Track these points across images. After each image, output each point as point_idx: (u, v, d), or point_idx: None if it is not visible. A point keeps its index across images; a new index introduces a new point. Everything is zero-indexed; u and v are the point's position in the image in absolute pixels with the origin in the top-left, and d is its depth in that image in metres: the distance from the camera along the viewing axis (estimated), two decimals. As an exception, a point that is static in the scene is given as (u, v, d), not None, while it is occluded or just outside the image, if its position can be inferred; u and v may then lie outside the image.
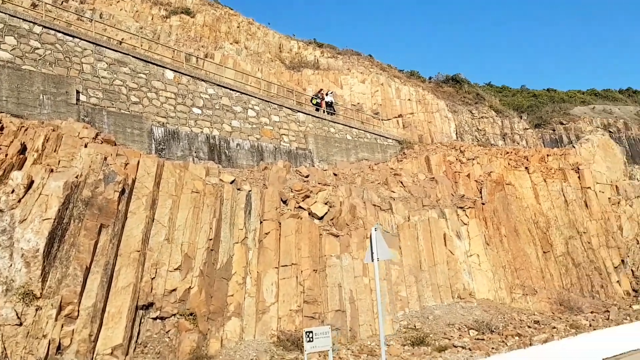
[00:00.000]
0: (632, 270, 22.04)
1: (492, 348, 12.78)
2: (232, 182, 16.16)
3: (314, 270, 15.60)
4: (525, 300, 19.71)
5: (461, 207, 21.51)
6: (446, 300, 18.36)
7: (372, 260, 9.81)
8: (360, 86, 32.73)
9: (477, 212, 21.60)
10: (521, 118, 41.00)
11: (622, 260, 22.00)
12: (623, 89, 53.54)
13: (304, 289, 15.08)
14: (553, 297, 20.06)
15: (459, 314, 17.68)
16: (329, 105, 25.12)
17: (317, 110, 24.16)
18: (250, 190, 16.24)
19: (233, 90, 19.83)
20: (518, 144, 37.69)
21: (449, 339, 14.87)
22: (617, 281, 21.46)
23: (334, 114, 25.05)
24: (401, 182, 21.95)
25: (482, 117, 39.46)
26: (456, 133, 36.09)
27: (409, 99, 34.69)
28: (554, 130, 40.07)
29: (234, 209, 15.49)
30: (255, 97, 20.51)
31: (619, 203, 23.84)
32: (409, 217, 19.57)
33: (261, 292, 14.54)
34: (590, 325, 16.18)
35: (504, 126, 39.57)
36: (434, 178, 22.97)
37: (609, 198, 23.85)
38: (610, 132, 39.14)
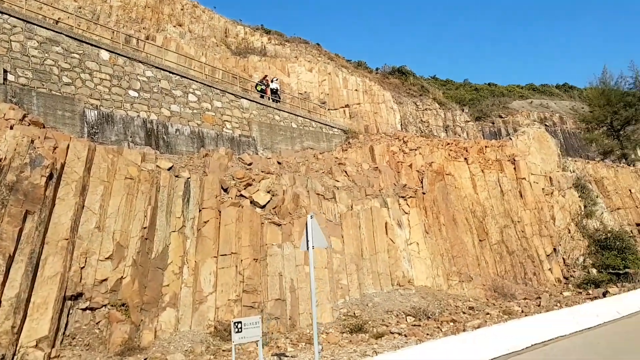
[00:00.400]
0: (563, 258, 22.95)
1: (427, 334, 12.96)
2: (169, 169, 15.62)
3: (254, 259, 15.34)
4: (462, 286, 20.17)
5: (403, 197, 21.73)
6: (386, 287, 18.52)
7: (307, 249, 9.64)
8: (307, 75, 32.48)
9: (418, 202, 21.88)
10: (463, 111, 41.97)
11: (554, 249, 22.87)
12: (560, 84, 55.80)
13: (244, 278, 14.81)
14: (488, 284, 20.64)
15: (397, 301, 17.88)
16: (274, 92, 24.77)
17: (262, 97, 23.76)
18: (189, 178, 15.75)
19: (173, 73, 19.15)
20: (459, 135, 38.58)
21: (387, 326, 15.00)
22: (549, 269, 22.31)
23: (279, 101, 24.72)
24: (345, 172, 21.94)
25: (426, 109, 40.13)
26: (401, 124, 36.56)
27: (356, 89, 34.77)
28: (493, 123, 41.30)
29: (172, 196, 14.98)
30: (197, 82, 19.90)
31: (552, 193, 24.73)
32: (352, 206, 19.59)
33: (199, 281, 14.16)
34: (522, 312, 16.70)
35: (446, 118, 40.42)
36: (377, 168, 23.08)
37: (543, 188, 24.70)
38: (546, 125, 40.67)
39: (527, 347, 9.85)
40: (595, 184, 27.48)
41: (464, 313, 17.08)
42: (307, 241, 9.66)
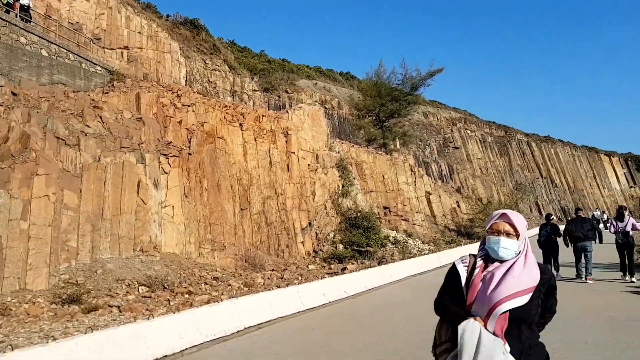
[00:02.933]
0: (316, 232, 23.40)
1: (147, 309, 11.29)
2: None
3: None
4: (213, 255, 19.01)
5: (165, 155, 19.58)
6: (126, 253, 16.35)
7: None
8: (83, 4, 27.66)
9: (182, 162, 19.98)
10: (253, 79, 41.01)
11: (310, 223, 23.17)
12: (343, 72, 58.71)
13: None
14: (240, 254, 19.86)
15: (135, 269, 15.86)
16: (25, 9, 20.17)
17: (8, 12, 19.07)
18: None
19: None
20: (246, 103, 37.56)
21: (113, 297, 12.95)
22: (302, 242, 22.51)
23: (30, 21, 20.22)
24: (101, 117, 18.85)
25: (215, 70, 38.06)
26: (186, 80, 33.93)
27: (140, 32, 30.97)
28: (279, 97, 41.26)
29: None
30: None
31: (316, 170, 25.07)
32: (99, 158, 16.80)
33: None
34: (263, 284, 16.13)
35: (235, 84, 38.96)
36: (141, 119, 20.42)
37: (309, 165, 24.88)
38: (326, 108, 42.00)
39: (238, 331, 8.80)
40: (355, 166, 28.87)
41: (205, 284, 15.86)
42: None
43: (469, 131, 62.29)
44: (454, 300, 2.89)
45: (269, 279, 17.07)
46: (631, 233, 14.08)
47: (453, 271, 2.99)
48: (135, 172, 17.76)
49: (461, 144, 59.20)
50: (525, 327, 2.76)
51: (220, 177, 21.55)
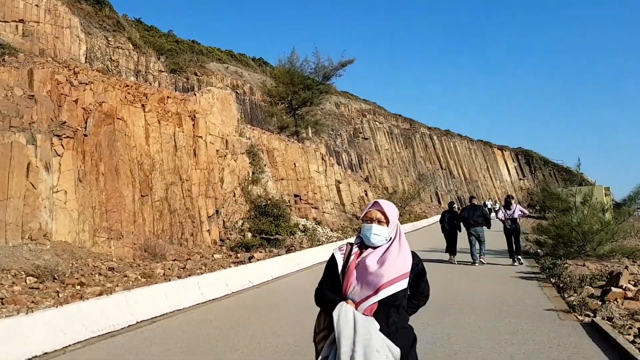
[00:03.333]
0: (223, 220, 22.75)
1: (32, 301, 10.26)
2: None
3: None
4: (109, 244, 17.83)
5: (59, 136, 17.98)
6: (13, 240, 14.88)
7: None
8: (-34, -31, 24.72)
9: (77, 144, 18.46)
10: (159, 59, 39.06)
11: (217, 211, 22.47)
12: (256, 58, 57.71)
13: None
14: (140, 243, 18.79)
15: (23, 258, 14.46)
16: None
17: None
18: None
19: None
20: (151, 84, 35.69)
21: (-6, 289, 11.65)
22: (208, 230, 21.77)
23: None
24: (-16, 92, 16.93)
25: (118, 47, 35.75)
26: (86, 57, 31.53)
27: (37, 5, 28.21)
28: (187, 79, 39.64)
29: None
30: None
31: (225, 156, 24.34)
32: (-19, 136, 15.05)
33: None
34: (163, 275, 15.35)
35: (139, 63, 36.88)
36: (34, 96, 18.58)
37: (218, 150, 24.09)
38: (237, 92, 40.99)
39: (129, 326, 8.17)
40: (266, 153, 28.43)
41: (100, 275, 14.79)
42: None
43: (377, 123, 63.85)
44: (333, 289, 2.96)
45: (169, 269, 16.28)
46: (519, 220, 15.43)
47: (331, 260, 3.06)
48: (24, 153, 16.17)
49: (370, 135, 60.55)
50: (394, 311, 2.84)
51: (119, 161, 20.21)
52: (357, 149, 56.04)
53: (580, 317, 7.95)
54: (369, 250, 2.94)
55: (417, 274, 3.00)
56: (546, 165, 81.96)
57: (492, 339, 6.76)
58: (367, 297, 2.76)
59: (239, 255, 19.26)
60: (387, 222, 2.95)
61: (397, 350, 2.73)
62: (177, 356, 6.53)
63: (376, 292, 2.75)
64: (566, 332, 7.05)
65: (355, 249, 2.99)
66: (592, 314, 8.28)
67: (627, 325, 7.38)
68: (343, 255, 3.02)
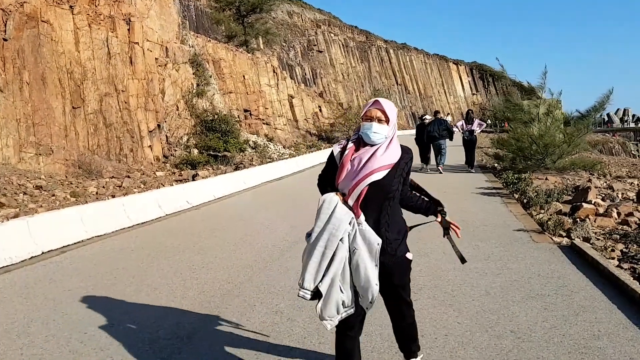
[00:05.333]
0: (167, 136, 20.84)
1: None
2: None
3: None
4: (38, 161, 15.84)
5: (-33, 38, 15.26)
6: None
7: None
8: None
9: (-7, 49, 15.83)
10: (92, -43, 34.52)
11: (159, 125, 20.47)
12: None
13: None
14: (73, 159, 16.86)
15: None
16: None
17: None
18: None
19: None
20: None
21: None
22: (149, 146, 19.87)
23: None
24: None
25: (42, -59, 31.17)
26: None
27: None
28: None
29: None
30: None
31: (166, 65, 21.93)
32: None
33: None
34: (97, 194, 13.70)
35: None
36: None
37: (157, 58, 21.62)
38: (181, -3, 37.28)
39: (31, 257, 6.70)
40: (212, 64, 26.05)
41: (25, 194, 13.01)
42: None
43: (332, 35, 60.68)
44: (330, 182, 2.98)
45: (104, 187, 14.60)
46: (476, 132, 16.83)
47: (331, 154, 3.06)
48: None
49: (325, 48, 57.65)
50: (387, 204, 2.88)
51: (46, 69, 17.67)
52: (311, 63, 53.43)
53: (555, 239, 6.99)
54: (366, 147, 2.90)
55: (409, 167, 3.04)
56: (499, 80, 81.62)
57: (460, 268, 5.68)
58: (355, 185, 2.78)
59: (182, 173, 17.66)
60: (387, 121, 2.93)
61: (375, 243, 2.77)
62: (75, 298, 5.15)
63: (363, 178, 2.78)
64: (544, 257, 6.04)
65: (351, 145, 2.96)
66: (565, 234, 7.37)
67: (608, 247, 6.46)
68: (340, 149, 3.01)
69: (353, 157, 2.88)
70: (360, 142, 2.95)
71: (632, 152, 48.75)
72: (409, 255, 3.05)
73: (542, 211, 9.03)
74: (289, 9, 55.01)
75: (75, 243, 7.51)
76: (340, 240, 2.71)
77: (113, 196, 13.28)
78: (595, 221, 8.16)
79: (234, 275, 5.72)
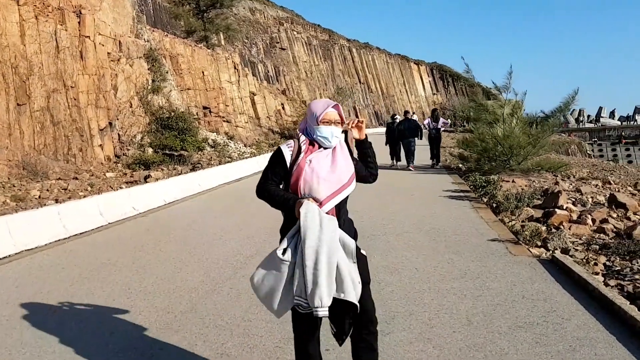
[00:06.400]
0: (119, 134, 19.53)
1: None
2: None
3: None
4: (-25, 162, 14.41)
5: None
6: None
7: None
8: None
9: None
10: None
11: (110, 123, 19.15)
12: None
13: None
14: (16, 159, 15.47)
15: None
16: None
17: None
18: None
19: None
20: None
21: None
22: (100, 145, 18.54)
23: None
24: None
25: None
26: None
27: None
28: (79, -29, 33.68)
29: None
30: None
31: (119, 60, 20.58)
32: None
33: None
34: (39, 197, 12.47)
35: (17, -52, 30.42)
36: None
37: (109, 53, 20.23)
38: (138, -9, 35.59)
39: None
40: (169, 59, 24.77)
41: (-44, 199, 11.69)
42: None
43: (295, 32, 59.70)
44: (278, 183, 2.88)
45: (48, 190, 13.34)
46: (442, 130, 18.20)
47: (279, 154, 2.86)
48: None
49: (287, 45, 56.62)
50: (343, 203, 2.85)
51: (-13, 63, 16.20)
52: (273, 60, 52.37)
53: (532, 250, 6.39)
54: (321, 149, 2.82)
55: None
56: (458, 81, 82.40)
57: (435, 289, 4.98)
58: (332, 196, 2.73)
59: (134, 174, 16.48)
60: (342, 122, 2.88)
61: (352, 244, 2.75)
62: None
63: (339, 190, 2.75)
64: (525, 274, 5.40)
65: (304, 147, 2.81)
66: (541, 244, 6.81)
67: (590, 260, 5.90)
68: (291, 151, 2.83)
69: (309, 158, 2.77)
70: (312, 144, 2.84)
71: (588, 152, 49.86)
72: (363, 252, 2.94)
73: (513, 217, 8.48)
74: (251, 5, 53.72)
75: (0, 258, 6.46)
76: (337, 247, 2.65)
77: (56, 200, 12.11)
78: (570, 229, 7.65)
79: (175, 303, 4.82)
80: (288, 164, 2.79)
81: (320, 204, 2.69)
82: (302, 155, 2.76)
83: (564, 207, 8.80)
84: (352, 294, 2.61)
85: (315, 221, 2.58)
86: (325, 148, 2.81)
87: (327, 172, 2.74)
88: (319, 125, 2.79)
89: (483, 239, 6.93)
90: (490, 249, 6.42)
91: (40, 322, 4.46)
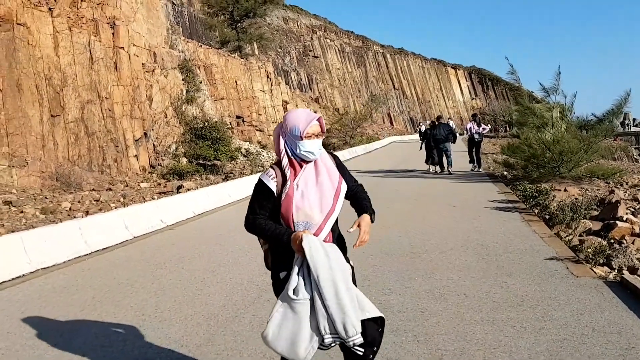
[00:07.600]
0: (154, 144, 19.46)
1: None
2: None
3: None
4: (10, 173, 14.46)
5: None
6: None
7: None
8: None
9: (-40, 53, 14.49)
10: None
11: (145, 133, 19.10)
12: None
13: None
14: (49, 171, 15.49)
15: None
16: None
17: None
18: None
19: None
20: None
21: None
22: (135, 155, 18.49)
23: None
24: None
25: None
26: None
27: None
28: (117, -15, 34.35)
29: None
30: None
31: (153, 71, 20.58)
32: None
33: None
34: (70, 209, 12.30)
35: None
36: None
37: (144, 64, 20.26)
38: (174, 3, 36.01)
39: None
40: (203, 69, 24.70)
41: (-11, 211, 11.62)
42: None
43: (328, 40, 59.40)
44: (270, 217, 2.67)
45: (79, 202, 13.17)
46: (483, 133, 18.62)
47: (261, 186, 2.65)
48: None
49: (321, 53, 56.33)
50: (336, 222, 2.73)
51: (22, 75, 16.32)
52: (307, 68, 52.13)
53: (596, 270, 5.59)
54: (303, 167, 2.63)
55: (341, 168, 2.81)
56: (498, 84, 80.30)
57: (489, 320, 4.28)
58: (327, 217, 2.58)
59: (167, 184, 16.26)
60: (323, 132, 2.70)
61: (348, 268, 2.61)
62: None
63: (330, 212, 2.59)
64: (593, 300, 4.63)
65: (288, 172, 2.60)
66: (604, 261, 5.98)
67: (669, 283, 5.07)
68: (275, 182, 2.61)
69: (295, 183, 2.59)
70: (293, 164, 2.65)
71: (635, 157, 47.43)
72: (351, 262, 2.76)
73: (570, 230, 7.63)
74: (284, 14, 53.77)
75: (11, 279, 6.09)
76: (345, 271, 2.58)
77: (87, 212, 11.90)
78: (633, 243, 6.79)
79: (191, 333, 4.28)
80: (275, 195, 2.62)
81: (318, 229, 2.56)
82: (288, 183, 2.58)
83: (624, 219, 7.88)
84: (374, 308, 2.55)
85: (320, 253, 2.46)
86: (307, 162, 2.65)
87: (315, 191, 2.60)
88: (302, 140, 2.60)
89: (539, 258, 6.13)
90: (548, 270, 5.63)
91: (37, 357, 4.00)
